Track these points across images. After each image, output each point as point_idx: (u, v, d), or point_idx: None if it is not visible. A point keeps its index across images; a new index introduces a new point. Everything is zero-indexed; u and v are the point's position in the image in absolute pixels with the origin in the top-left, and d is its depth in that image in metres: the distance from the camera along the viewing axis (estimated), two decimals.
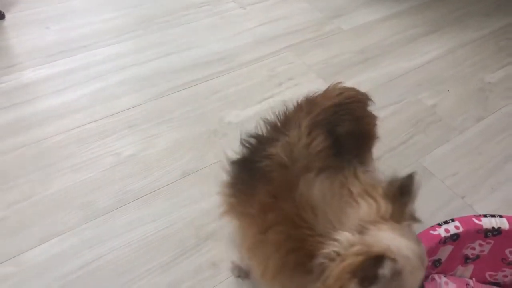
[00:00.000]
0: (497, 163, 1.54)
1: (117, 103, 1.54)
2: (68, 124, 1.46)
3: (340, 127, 0.94)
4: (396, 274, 0.66)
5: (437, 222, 1.03)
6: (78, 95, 1.55)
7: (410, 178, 0.76)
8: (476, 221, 1.03)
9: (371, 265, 0.65)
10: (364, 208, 0.73)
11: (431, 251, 1.01)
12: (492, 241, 1.05)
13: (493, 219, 1.03)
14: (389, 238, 0.69)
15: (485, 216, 1.04)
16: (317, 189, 0.77)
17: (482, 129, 1.64)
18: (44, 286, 1.09)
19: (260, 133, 0.96)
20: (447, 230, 1.00)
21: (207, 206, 1.29)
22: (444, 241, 1.00)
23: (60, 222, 1.21)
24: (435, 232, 0.99)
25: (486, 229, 1.02)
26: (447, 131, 1.58)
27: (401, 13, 2.16)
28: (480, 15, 2.26)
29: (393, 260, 0.65)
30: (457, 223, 1.02)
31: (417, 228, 1.05)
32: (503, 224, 1.03)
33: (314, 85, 1.68)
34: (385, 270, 0.64)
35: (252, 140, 0.94)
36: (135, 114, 1.52)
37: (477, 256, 1.09)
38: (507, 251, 1.07)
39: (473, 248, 1.07)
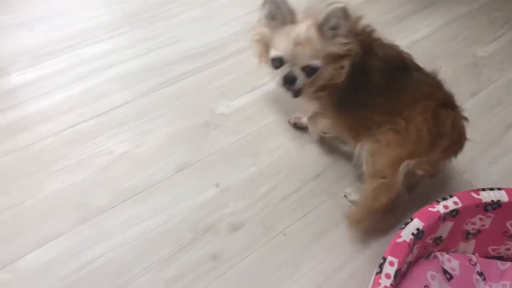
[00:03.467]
0: (493, 137, 1.53)
1: (107, 101, 1.52)
2: (58, 125, 1.44)
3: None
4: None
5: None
6: (66, 96, 1.53)
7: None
8: (475, 195, 1.01)
9: None
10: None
11: (431, 229, 0.99)
12: (493, 215, 1.04)
13: (491, 192, 1.02)
14: None
15: (483, 190, 1.03)
16: None
17: (476, 103, 1.62)
18: None
19: None
20: (446, 207, 0.99)
21: (203, 199, 1.28)
22: (444, 217, 0.99)
23: (56, 224, 1.19)
24: (434, 209, 0.98)
25: (486, 203, 1.01)
26: None
27: None
28: None
29: None
30: (455, 198, 1.00)
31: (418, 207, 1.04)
32: (502, 197, 1.01)
33: None
34: None
35: None
36: (126, 111, 1.50)
37: (478, 231, 1.08)
38: (508, 224, 1.06)
39: (474, 223, 1.06)
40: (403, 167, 1.10)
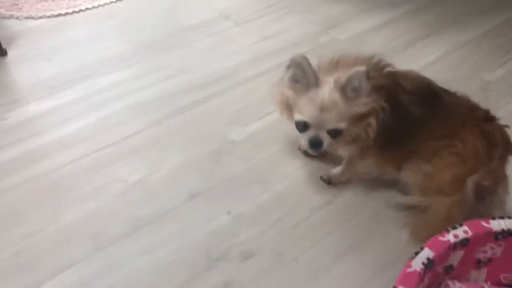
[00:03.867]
0: None
1: (121, 129, 1.56)
2: (74, 154, 1.47)
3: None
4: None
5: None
6: (82, 125, 1.57)
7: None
8: (485, 224, 1.03)
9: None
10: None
11: (442, 258, 1.00)
12: (503, 243, 1.04)
13: (502, 221, 1.03)
14: None
15: (493, 219, 1.04)
16: None
17: None
18: None
19: None
20: (456, 236, 1.00)
21: (215, 226, 1.30)
22: (454, 246, 1.00)
23: (72, 253, 1.22)
24: (444, 238, 0.99)
25: (496, 231, 1.02)
26: None
27: (396, 19, 2.17)
28: (476, 14, 2.27)
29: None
30: (465, 227, 1.01)
31: None
32: None
33: None
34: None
35: None
36: (140, 139, 1.54)
37: (490, 259, 1.08)
38: None
39: (485, 252, 1.06)
40: (470, 182, 1.15)
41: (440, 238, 1.00)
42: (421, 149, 1.25)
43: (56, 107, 1.62)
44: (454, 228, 1.02)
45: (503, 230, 1.02)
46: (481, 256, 1.07)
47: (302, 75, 1.15)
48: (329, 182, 1.43)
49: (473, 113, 1.26)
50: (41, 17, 1.97)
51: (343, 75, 1.13)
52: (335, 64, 1.22)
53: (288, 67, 1.16)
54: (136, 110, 1.63)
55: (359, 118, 1.17)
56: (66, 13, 1.98)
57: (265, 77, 1.79)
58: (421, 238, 1.20)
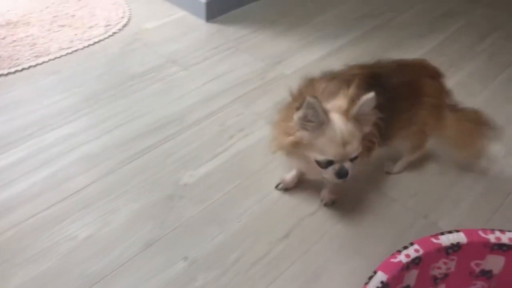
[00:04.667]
0: (453, 177, 1.56)
1: (69, 185, 1.52)
2: (21, 215, 1.42)
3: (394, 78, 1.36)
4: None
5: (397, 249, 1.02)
6: (29, 184, 1.52)
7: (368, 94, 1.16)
8: (435, 240, 1.02)
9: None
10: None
11: (396, 280, 0.99)
12: (455, 257, 1.04)
13: (450, 235, 1.03)
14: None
15: (442, 233, 1.04)
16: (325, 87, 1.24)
17: (432, 144, 1.67)
18: None
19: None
20: (407, 255, 0.99)
21: (173, 274, 1.26)
22: (407, 266, 0.99)
23: None
24: (396, 260, 0.98)
25: (446, 246, 1.02)
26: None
27: (340, 49, 2.23)
28: (416, 37, 2.36)
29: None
30: (416, 246, 1.01)
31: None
32: (461, 238, 1.03)
33: (264, 132, 1.70)
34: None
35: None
36: (89, 193, 1.50)
37: (446, 275, 1.08)
38: (472, 264, 1.07)
39: (439, 268, 1.06)
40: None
41: (392, 259, 0.99)
42: (402, 122, 1.39)
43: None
44: (405, 248, 1.01)
45: (452, 244, 1.02)
46: (436, 272, 1.06)
47: (314, 114, 1.15)
48: (333, 202, 1.47)
49: (424, 72, 1.46)
50: None
51: (343, 102, 1.18)
52: (318, 93, 1.22)
53: (302, 108, 1.16)
54: (84, 163, 1.60)
55: (365, 134, 1.24)
56: (8, 73, 1.94)
57: (215, 117, 1.80)
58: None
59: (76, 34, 2.23)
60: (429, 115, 1.44)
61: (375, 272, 0.97)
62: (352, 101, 1.17)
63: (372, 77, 1.29)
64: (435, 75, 1.49)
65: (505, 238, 1.03)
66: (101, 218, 1.42)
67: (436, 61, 2.13)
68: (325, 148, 1.19)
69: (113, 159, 1.61)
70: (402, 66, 1.44)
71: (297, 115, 1.18)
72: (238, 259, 1.31)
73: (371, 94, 1.15)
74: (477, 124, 1.51)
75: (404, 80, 1.37)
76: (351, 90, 1.18)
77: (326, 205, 1.46)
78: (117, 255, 1.31)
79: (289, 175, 1.50)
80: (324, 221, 1.42)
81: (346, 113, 1.17)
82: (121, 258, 1.31)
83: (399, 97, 1.34)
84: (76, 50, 2.14)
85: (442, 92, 1.49)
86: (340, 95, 1.21)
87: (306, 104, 1.14)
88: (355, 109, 1.16)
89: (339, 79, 1.27)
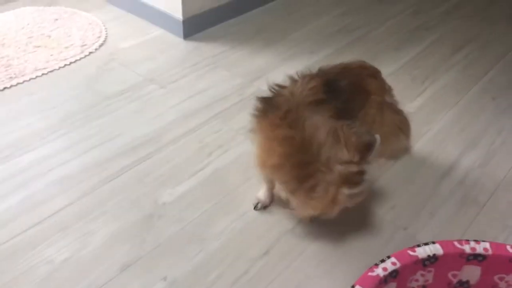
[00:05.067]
0: (430, 188, 1.58)
1: (45, 207, 1.49)
2: None
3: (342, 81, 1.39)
4: None
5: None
6: (4, 208, 1.49)
7: (373, 138, 1.20)
8: (411, 252, 1.03)
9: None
10: (345, 153, 1.17)
11: None
12: (432, 269, 1.05)
13: (426, 247, 1.04)
14: None
15: (418, 246, 1.05)
16: (317, 128, 1.20)
17: (410, 157, 1.69)
18: None
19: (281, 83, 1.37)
20: (385, 269, 1.00)
21: None
22: (385, 280, 0.99)
23: None
24: (374, 273, 0.99)
25: (423, 258, 1.03)
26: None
27: (317, 63, 2.22)
28: (391, 50, 2.40)
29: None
30: (393, 259, 1.02)
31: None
32: (437, 250, 1.04)
33: (243, 148, 1.70)
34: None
35: (275, 87, 1.35)
36: (66, 215, 1.47)
37: (424, 287, 1.08)
38: (449, 275, 1.08)
39: (417, 280, 1.07)
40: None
41: (370, 273, 0.99)
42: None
43: None
44: (382, 261, 1.01)
45: (429, 256, 1.03)
46: (414, 285, 1.07)
47: None
48: (263, 207, 1.50)
49: (365, 72, 1.53)
50: None
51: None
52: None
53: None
54: (61, 185, 1.57)
55: None
56: None
57: (193, 134, 1.79)
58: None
59: (52, 55, 2.21)
60: (377, 113, 1.50)
61: (352, 287, 0.97)
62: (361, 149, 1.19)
63: (325, 84, 1.31)
64: (375, 74, 1.56)
65: (480, 248, 1.04)
66: (78, 240, 1.40)
67: (412, 74, 2.20)
68: None
69: (90, 180, 1.59)
70: (346, 69, 1.48)
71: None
72: (218, 278, 1.29)
73: (377, 136, 1.20)
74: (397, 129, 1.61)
75: (351, 82, 1.41)
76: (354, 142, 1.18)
77: (255, 208, 1.50)
78: (95, 278, 1.29)
79: (262, 193, 1.49)
80: (303, 236, 1.41)
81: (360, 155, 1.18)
82: (99, 280, 1.28)
83: (351, 99, 1.37)
84: (52, 71, 2.12)
85: (384, 89, 1.57)
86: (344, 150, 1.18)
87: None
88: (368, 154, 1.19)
89: (305, 101, 1.26)
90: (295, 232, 1.43)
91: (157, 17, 2.48)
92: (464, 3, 2.89)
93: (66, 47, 2.28)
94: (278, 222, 1.46)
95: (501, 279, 1.09)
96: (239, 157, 1.69)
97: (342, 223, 1.45)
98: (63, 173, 1.62)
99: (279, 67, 2.23)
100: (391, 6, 2.84)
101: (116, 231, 1.43)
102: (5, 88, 1.98)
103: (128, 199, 1.53)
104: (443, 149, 1.74)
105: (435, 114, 1.94)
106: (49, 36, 2.35)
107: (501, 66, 2.26)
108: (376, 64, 2.23)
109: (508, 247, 1.05)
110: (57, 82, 2.06)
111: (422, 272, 1.05)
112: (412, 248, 1.04)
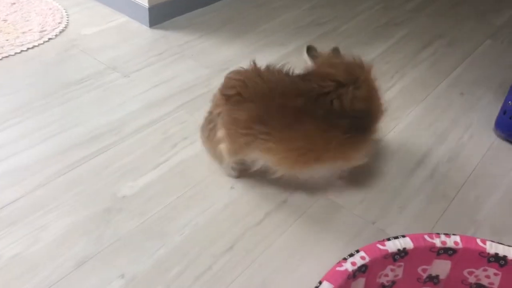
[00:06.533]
0: (399, 182, 1.55)
1: None
2: None
3: None
4: None
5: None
6: None
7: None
8: (381, 246, 0.99)
9: None
10: None
11: None
12: (402, 263, 1.02)
13: (396, 241, 1.00)
14: None
15: (388, 239, 1.01)
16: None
17: (378, 152, 1.66)
18: None
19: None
20: (353, 263, 0.95)
21: None
22: (354, 275, 0.95)
23: None
24: (342, 268, 0.94)
25: (393, 252, 0.99)
26: None
27: (286, 56, 2.21)
28: (361, 45, 2.38)
29: None
30: (362, 253, 0.97)
31: None
32: (407, 244, 1.00)
33: None
34: None
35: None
36: (18, 208, 1.37)
37: (393, 282, 1.05)
38: (419, 270, 1.04)
39: (387, 275, 1.03)
40: None
41: (338, 268, 0.94)
42: None
43: None
44: (351, 255, 0.97)
45: (399, 250, 0.99)
46: (384, 280, 1.03)
47: None
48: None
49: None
50: None
51: None
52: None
53: None
54: (13, 176, 1.47)
55: None
56: None
57: (157, 125, 1.72)
58: None
59: (7, 40, 2.09)
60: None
61: (320, 283, 0.92)
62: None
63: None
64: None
65: (450, 242, 1.01)
66: (30, 235, 1.30)
67: (381, 68, 2.18)
68: None
69: (45, 171, 1.50)
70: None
71: None
72: (180, 274, 1.23)
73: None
74: None
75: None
76: None
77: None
78: (47, 275, 1.20)
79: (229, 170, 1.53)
80: (271, 230, 1.36)
81: None
82: (51, 277, 1.20)
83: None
84: (7, 56, 2.00)
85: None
86: None
87: None
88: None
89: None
90: (262, 226, 1.37)
91: (122, 4, 2.39)
92: (433, 0, 2.90)
93: (23, 32, 2.15)
94: (244, 216, 1.40)
95: (470, 273, 1.06)
96: (204, 150, 1.62)
97: (310, 217, 1.41)
98: (16, 164, 1.51)
99: (247, 58, 2.17)
100: (361, 1, 2.82)
101: (71, 226, 1.34)
102: None
103: (85, 192, 1.44)
104: (412, 143, 1.73)
105: (404, 109, 1.92)
106: (5, 21, 2.22)
107: (469, 62, 2.27)
108: None
109: (478, 241, 1.03)
110: (12, 68, 1.94)
111: (392, 267, 1.01)
112: (382, 242, 1.00)
